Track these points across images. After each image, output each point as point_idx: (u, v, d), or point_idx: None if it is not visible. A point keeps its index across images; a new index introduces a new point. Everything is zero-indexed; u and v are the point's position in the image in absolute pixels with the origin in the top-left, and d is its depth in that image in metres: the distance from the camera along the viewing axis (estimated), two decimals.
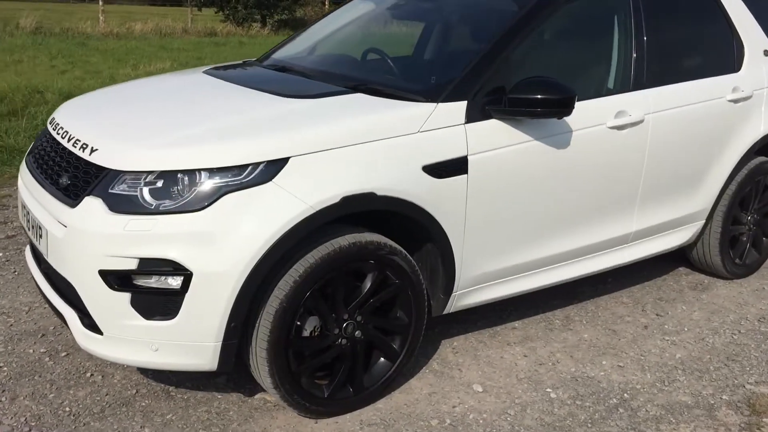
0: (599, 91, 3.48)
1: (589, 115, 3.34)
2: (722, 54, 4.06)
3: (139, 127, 2.85)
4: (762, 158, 4.29)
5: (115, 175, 2.59)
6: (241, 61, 4.08)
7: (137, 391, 3.02)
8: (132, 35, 18.83)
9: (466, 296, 3.23)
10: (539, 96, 2.94)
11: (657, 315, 3.94)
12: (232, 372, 2.92)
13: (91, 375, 3.12)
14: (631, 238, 3.75)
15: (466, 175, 2.96)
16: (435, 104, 2.93)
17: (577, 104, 3.23)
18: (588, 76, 3.54)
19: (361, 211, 2.74)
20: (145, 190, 2.54)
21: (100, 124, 2.97)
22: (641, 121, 3.52)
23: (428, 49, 4.11)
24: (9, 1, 27.97)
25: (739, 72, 4.05)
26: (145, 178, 2.56)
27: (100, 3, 19.70)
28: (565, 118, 3.19)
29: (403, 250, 2.89)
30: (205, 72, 3.63)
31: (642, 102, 3.54)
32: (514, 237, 3.23)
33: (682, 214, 3.95)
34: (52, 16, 22.15)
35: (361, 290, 2.84)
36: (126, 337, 2.60)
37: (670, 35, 3.80)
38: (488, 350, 3.49)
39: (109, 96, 3.41)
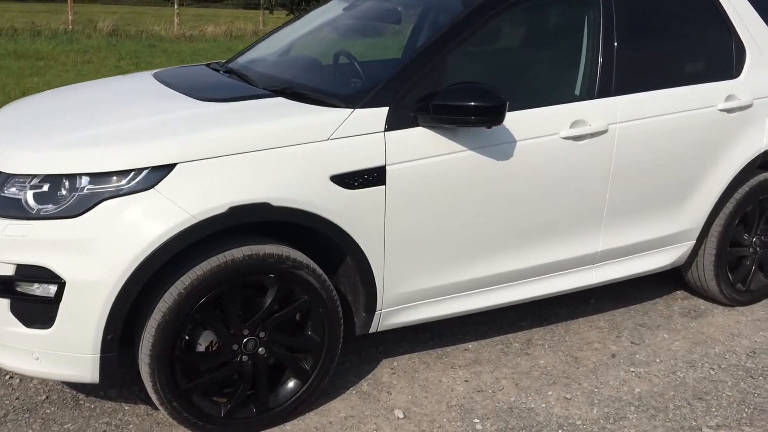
0: (554, 98, 3.20)
1: (539, 124, 3.08)
2: (716, 59, 3.68)
3: (40, 130, 2.79)
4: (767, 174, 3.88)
5: (6, 177, 2.54)
6: (204, 63, 3.99)
7: (47, 397, 2.97)
8: (203, 38, 19.28)
9: (393, 315, 3.03)
10: (465, 103, 2.72)
11: (632, 343, 3.61)
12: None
13: (11, 378, 3.10)
14: (597, 259, 3.45)
15: (383, 187, 2.77)
16: (351, 110, 2.76)
17: (526, 112, 3.03)
18: (540, 81, 3.27)
19: (257, 221, 2.60)
20: (29, 194, 2.48)
21: (13, 126, 2.93)
22: (604, 132, 3.22)
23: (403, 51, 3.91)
24: (104, 4, 29.17)
25: (738, 78, 3.67)
26: (30, 182, 2.49)
27: (175, 6, 20.26)
28: (508, 127, 2.97)
29: (312, 265, 2.72)
30: (154, 73, 3.56)
31: (606, 110, 3.24)
32: (448, 254, 3.01)
33: (663, 233, 3.60)
34: (136, 18, 23.01)
35: (261, 305, 2.68)
36: (8, 344, 2.54)
37: (650, 38, 3.47)
38: (429, 372, 3.27)
39: (47, 98, 3.39)
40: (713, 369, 3.39)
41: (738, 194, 3.78)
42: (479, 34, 3.05)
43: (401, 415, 2.94)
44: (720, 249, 3.82)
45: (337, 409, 2.98)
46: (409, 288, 2.98)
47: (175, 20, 19.90)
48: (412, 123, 2.83)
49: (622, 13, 3.33)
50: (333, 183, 2.67)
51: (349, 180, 2.70)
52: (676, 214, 3.60)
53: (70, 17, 19.68)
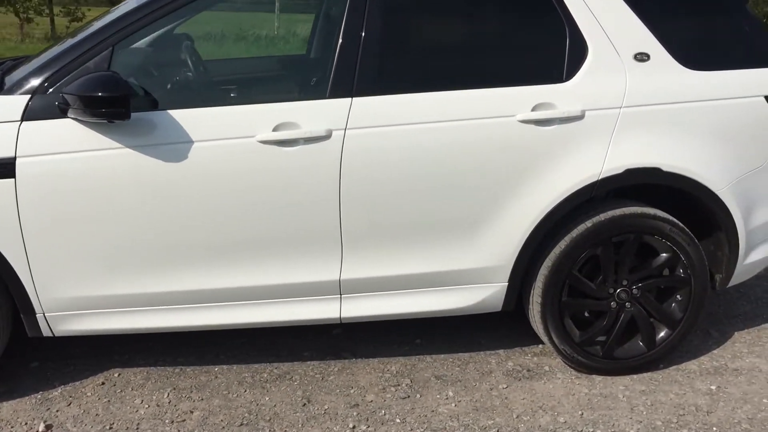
0: (261, 96, 2.76)
1: (230, 124, 2.68)
2: (534, 56, 2.92)
3: None
4: (633, 209, 3.01)
5: None
6: None
7: None
8: None
9: (66, 321, 2.83)
10: (81, 93, 2.47)
11: (401, 396, 3.01)
12: None
13: None
14: (343, 289, 2.91)
15: (13, 180, 2.59)
16: None
17: (213, 110, 2.70)
18: (247, 76, 2.83)
19: None
20: None
21: None
22: (324, 138, 2.71)
23: None
24: None
25: (567, 83, 2.87)
26: None
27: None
28: (184, 125, 2.64)
29: None
30: None
31: (330, 113, 2.72)
32: (112, 263, 2.73)
33: (442, 269, 2.95)
34: None
35: None
36: None
37: (422, 27, 2.88)
38: (138, 390, 3.02)
39: None
40: None
41: (575, 232, 2.96)
42: (171, 18, 2.71)
43: (41, 428, 2.73)
44: (547, 297, 3.03)
45: None
46: (72, 294, 2.76)
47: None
48: (59, 114, 2.60)
49: None
50: None
51: None
52: (461, 247, 2.92)
53: (276, 24, 21.19)
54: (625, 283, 3.08)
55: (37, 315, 2.77)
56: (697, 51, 2.98)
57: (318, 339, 3.42)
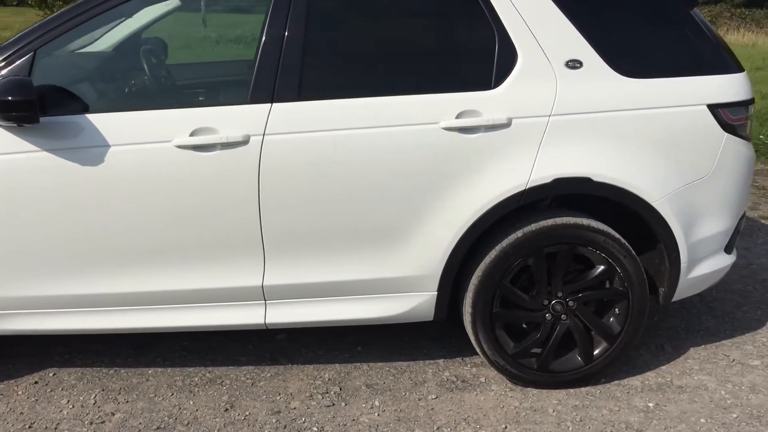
0: (180, 100, 2.77)
1: (146, 129, 2.70)
2: (462, 62, 2.88)
3: None
4: (564, 219, 2.94)
5: None
6: None
7: None
8: None
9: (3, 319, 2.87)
10: None
11: (325, 405, 2.98)
12: None
13: None
14: (267, 295, 2.90)
15: None
16: None
17: (130, 115, 2.72)
18: (172, 80, 2.84)
19: None
20: None
21: None
22: (241, 144, 2.71)
23: None
24: None
25: (494, 90, 2.82)
26: None
27: None
28: (101, 129, 2.68)
29: None
30: None
31: (249, 118, 2.72)
32: (37, 264, 2.78)
33: (373, 276, 2.91)
34: None
35: None
36: None
37: (348, 31, 2.87)
38: (58, 391, 3.05)
39: None
40: None
41: (505, 242, 2.91)
42: (91, 27, 2.75)
43: None
44: (477, 307, 2.98)
45: None
46: (6, 293, 2.81)
47: None
48: None
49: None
50: None
51: None
52: (386, 255, 2.89)
53: None
54: (560, 294, 3.00)
55: None
56: (633, 58, 2.89)
57: (260, 344, 3.42)
